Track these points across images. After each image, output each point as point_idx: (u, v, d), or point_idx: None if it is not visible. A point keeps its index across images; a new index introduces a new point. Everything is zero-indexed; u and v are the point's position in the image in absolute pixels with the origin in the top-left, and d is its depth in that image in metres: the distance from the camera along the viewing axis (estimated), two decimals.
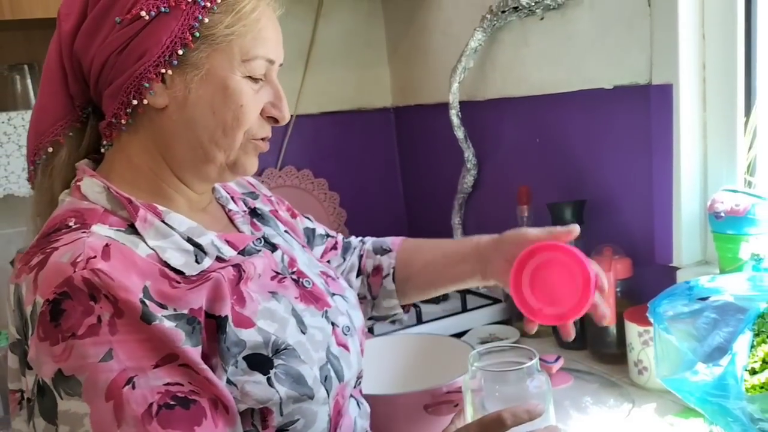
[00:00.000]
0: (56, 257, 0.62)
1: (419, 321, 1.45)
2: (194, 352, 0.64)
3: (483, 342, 1.40)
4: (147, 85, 0.68)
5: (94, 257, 0.62)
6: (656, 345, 0.94)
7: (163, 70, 0.68)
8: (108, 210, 0.69)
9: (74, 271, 0.60)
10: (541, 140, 1.48)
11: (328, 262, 1.01)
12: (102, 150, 0.75)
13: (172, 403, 0.61)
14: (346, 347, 0.79)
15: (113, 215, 0.69)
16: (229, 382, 0.67)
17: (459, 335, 1.41)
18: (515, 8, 1.39)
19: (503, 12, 1.42)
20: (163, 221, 0.70)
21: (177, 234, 0.70)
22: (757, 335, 0.88)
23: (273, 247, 0.81)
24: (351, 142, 1.96)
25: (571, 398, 1.13)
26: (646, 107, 1.20)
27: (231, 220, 0.83)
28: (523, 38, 1.45)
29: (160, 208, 0.71)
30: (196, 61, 0.68)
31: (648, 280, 1.22)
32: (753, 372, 0.86)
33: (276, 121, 0.75)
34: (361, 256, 1.05)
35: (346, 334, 0.80)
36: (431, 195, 1.92)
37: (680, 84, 1.14)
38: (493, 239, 0.94)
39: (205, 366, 0.64)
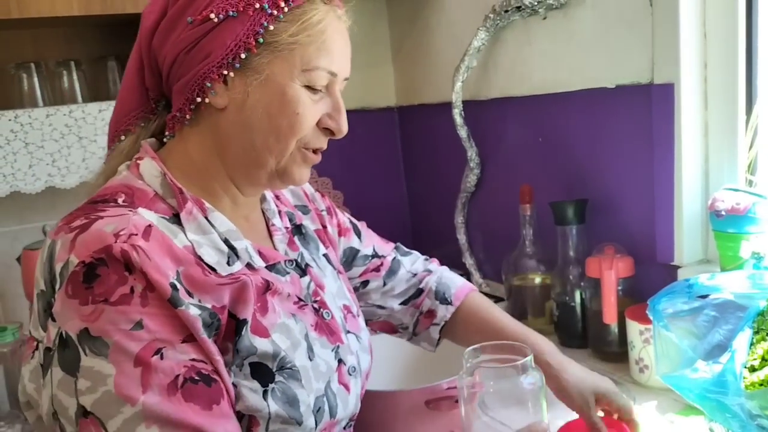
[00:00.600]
0: (100, 225, 0.64)
1: None
2: (210, 343, 0.65)
3: None
4: (209, 84, 0.70)
5: (136, 234, 0.64)
6: (656, 342, 0.94)
7: (226, 72, 0.70)
8: (158, 195, 0.71)
9: (115, 242, 0.62)
10: (544, 139, 1.48)
11: (367, 282, 1.01)
12: (164, 140, 0.78)
13: (196, 378, 0.63)
14: (347, 387, 0.79)
15: (161, 202, 0.71)
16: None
17: None
18: (518, 8, 1.39)
19: (506, 11, 1.42)
20: (206, 218, 0.72)
21: (216, 233, 0.72)
22: (756, 333, 0.88)
23: (302, 272, 0.82)
24: (355, 141, 1.95)
25: None
26: (648, 106, 1.20)
27: (270, 235, 0.83)
28: (526, 37, 1.46)
29: (207, 204, 0.73)
30: (257, 66, 0.70)
31: (650, 279, 1.22)
32: (752, 369, 0.86)
33: (332, 133, 0.76)
34: (421, 291, 1.03)
35: (351, 374, 0.80)
36: (434, 194, 1.93)
37: (681, 83, 1.14)
38: (554, 369, 0.89)
39: (219, 358, 0.66)
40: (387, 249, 1.04)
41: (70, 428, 0.61)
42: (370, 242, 1.03)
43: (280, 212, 0.87)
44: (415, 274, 1.04)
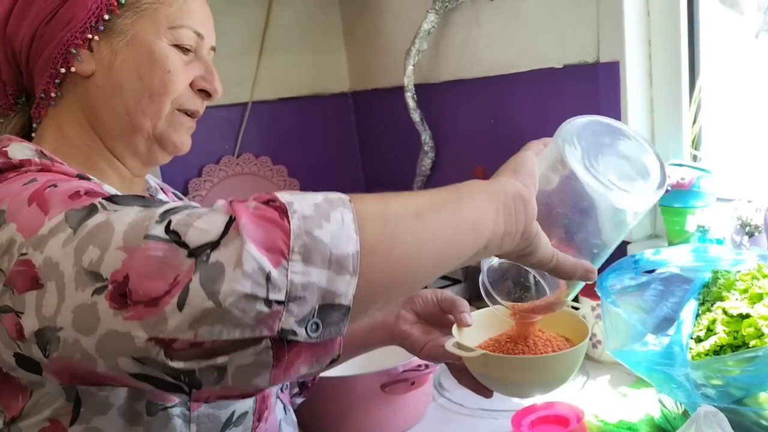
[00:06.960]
0: None
1: None
2: None
3: None
4: (74, 51, 0.68)
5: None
6: (605, 319, 0.95)
7: (90, 36, 0.68)
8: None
9: (18, 160, 0.62)
10: (495, 121, 1.49)
11: None
12: (33, 134, 0.73)
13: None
14: None
15: None
16: None
17: None
18: None
19: None
20: None
21: None
22: (702, 304, 0.90)
23: None
24: (309, 127, 1.95)
25: None
26: (595, 85, 1.21)
27: None
28: (474, 19, 1.45)
29: (94, 180, 0.68)
30: (122, 27, 0.69)
31: None
32: (698, 340, 0.87)
33: (208, 95, 0.75)
34: None
35: None
36: (391, 178, 1.92)
37: (627, 61, 1.15)
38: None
39: None
40: None
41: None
42: None
43: (163, 190, 0.84)
44: None
